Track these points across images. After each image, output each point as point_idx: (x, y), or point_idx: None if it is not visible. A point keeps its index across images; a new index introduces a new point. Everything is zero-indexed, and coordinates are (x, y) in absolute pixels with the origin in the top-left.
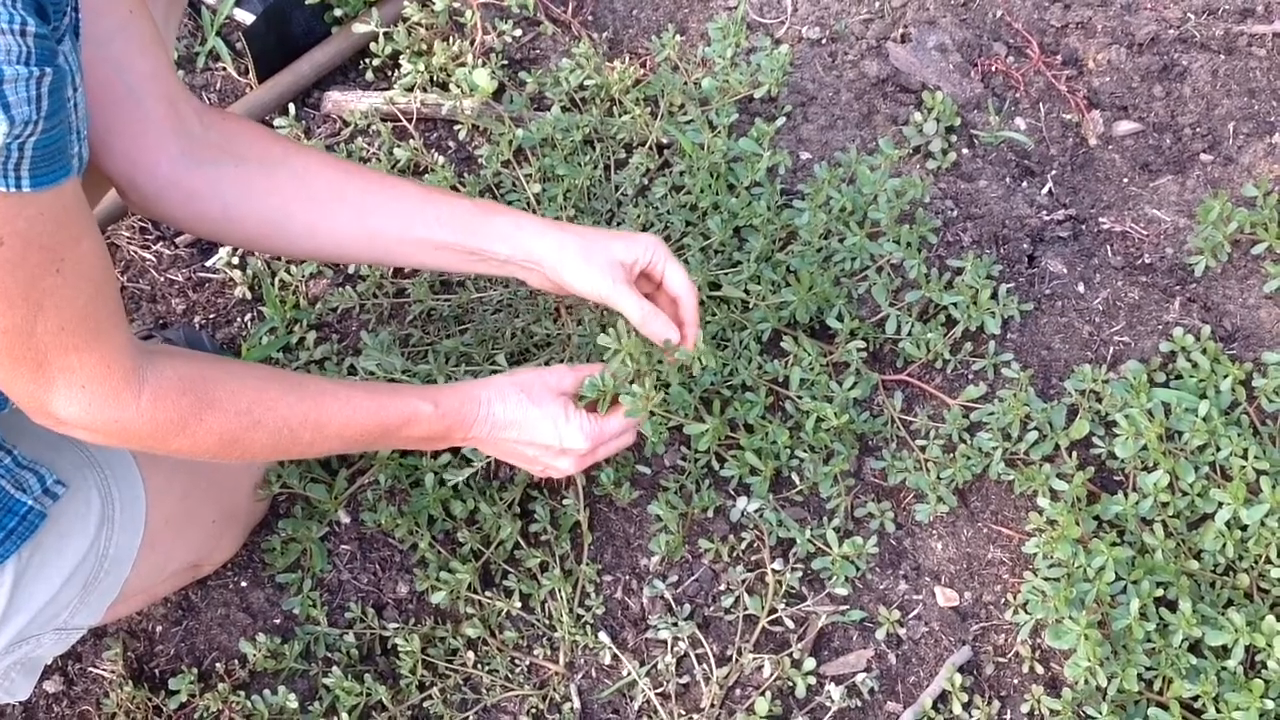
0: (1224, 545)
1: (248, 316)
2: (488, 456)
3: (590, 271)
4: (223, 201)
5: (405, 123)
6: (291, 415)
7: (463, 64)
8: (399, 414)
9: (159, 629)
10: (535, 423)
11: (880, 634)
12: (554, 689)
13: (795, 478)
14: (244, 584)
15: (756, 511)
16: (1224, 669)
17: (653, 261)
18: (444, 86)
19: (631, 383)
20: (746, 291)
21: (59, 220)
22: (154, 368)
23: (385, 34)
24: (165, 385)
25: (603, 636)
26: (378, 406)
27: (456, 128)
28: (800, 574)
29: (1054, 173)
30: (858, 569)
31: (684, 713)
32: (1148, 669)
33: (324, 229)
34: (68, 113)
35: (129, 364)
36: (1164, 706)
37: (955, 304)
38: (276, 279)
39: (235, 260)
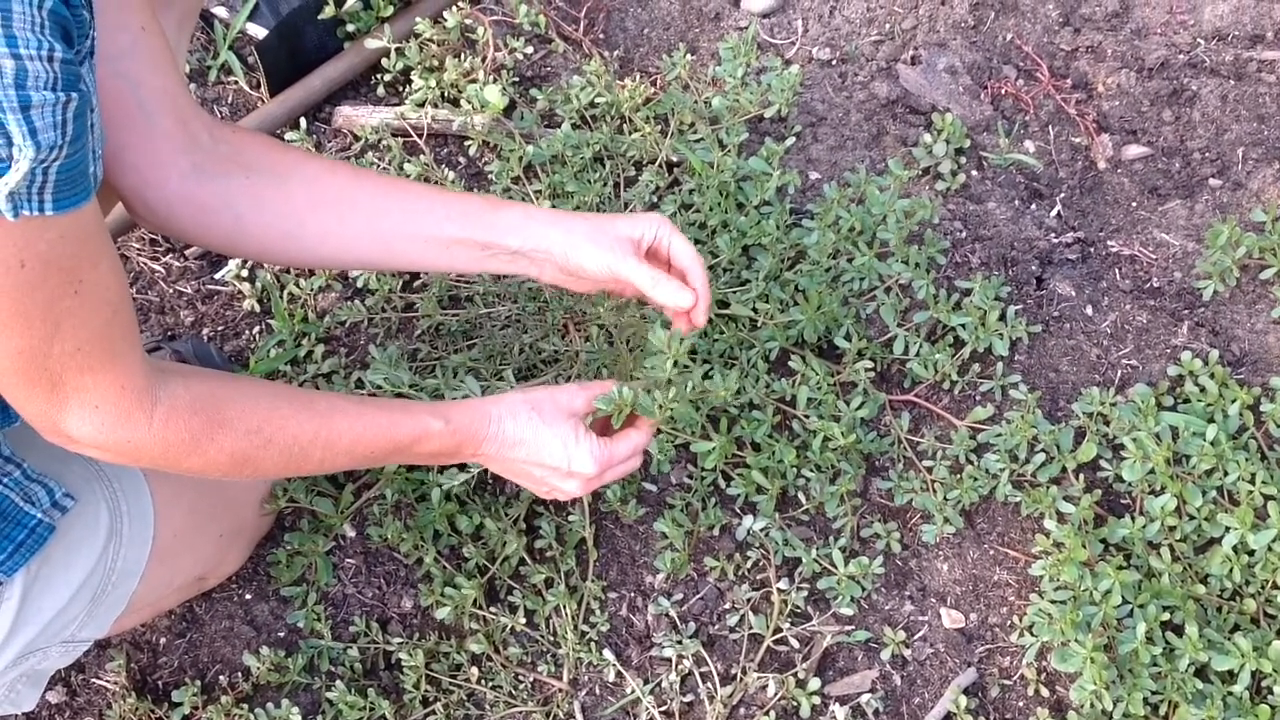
0: (1231, 570)
1: (256, 329)
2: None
3: (599, 251)
4: (234, 213)
5: (416, 138)
6: (302, 434)
7: (474, 80)
8: (410, 431)
9: (163, 641)
10: (545, 443)
11: (885, 655)
12: (558, 706)
13: (801, 497)
14: (248, 597)
15: (762, 530)
16: (1230, 694)
17: (659, 238)
18: (455, 102)
19: (654, 390)
20: (755, 310)
21: (79, 242)
22: (167, 388)
23: (397, 49)
24: (178, 405)
25: (607, 654)
26: (389, 424)
27: (467, 143)
28: (805, 593)
29: (1063, 195)
30: (863, 589)
31: None
32: (1154, 693)
33: (336, 234)
34: (88, 135)
35: (142, 384)
36: None
37: (963, 325)
38: (285, 292)
39: (244, 273)
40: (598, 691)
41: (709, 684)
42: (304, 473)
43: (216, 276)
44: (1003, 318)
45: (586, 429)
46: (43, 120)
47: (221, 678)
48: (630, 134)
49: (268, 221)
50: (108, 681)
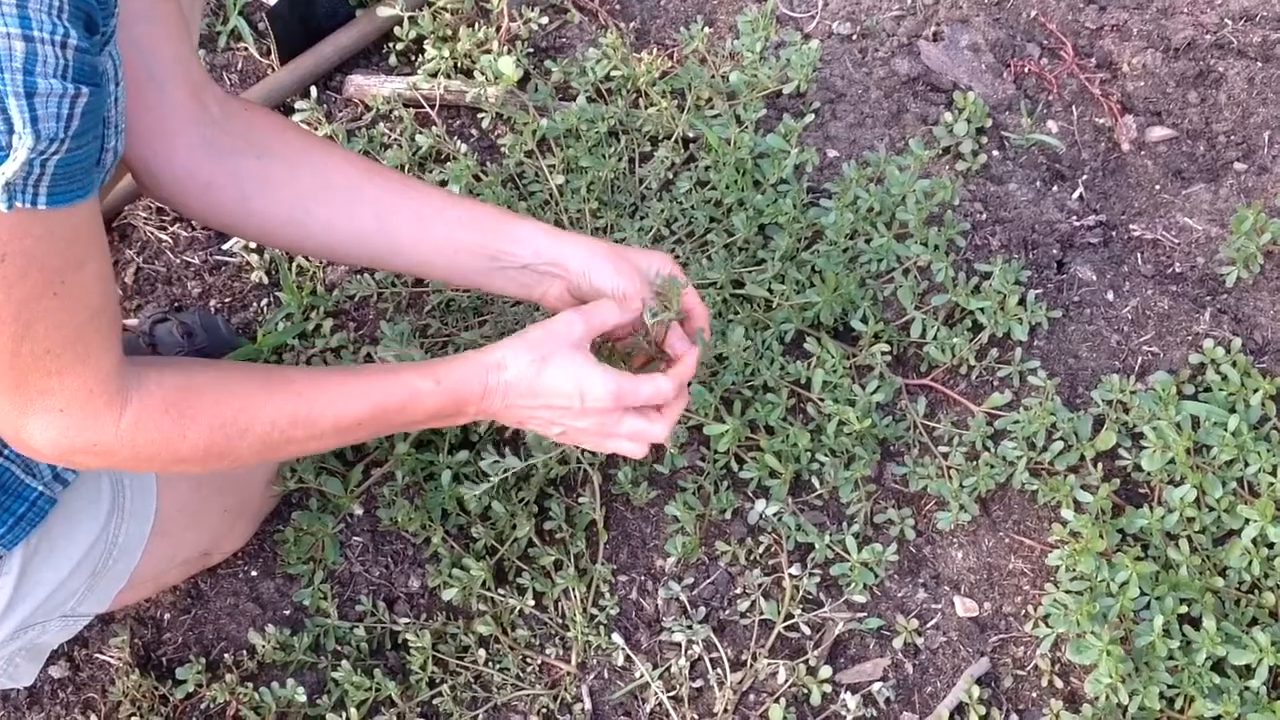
0: (1250, 563)
1: (264, 301)
2: (505, 471)
3: (619, 276)
4: (241, 193)
5: (428, 109)
6: (279, 417)
7: (488, 51)
8: (396, 396)
9: (167, 617)
10: (552, 380)
11: (898, 643)
12: (565, 689)
13: (815, 481)
14: (254, 574)
15: (775, 515)
16: (1247, 689)
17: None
18: (468, 73)
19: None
20: (770, 290)
21: (67, 241)
22: (140, 389)
23: (410, 18)
24: (149, 405)
25: (616, 637)
26: (370, 390)
27: (480, 116)
28: (818, 579)
29: (1085, 177)
30: (876, 576)
31: (696, 717)
32: (1170, 687)
33: (341, 226)
34: (97, 134)
35: (113, 388)
36: None
37: (982, 309)
38: (294, 264)
39: (252, 244)
40: (606, 675)
41: (719, 670)
42: (290, 455)
43: (224, 247)
44: (1022, 302)
45: (598, 361)
46: (46, 110)
47: (226, 655)
48: (646, 108)
49: (273, 206)
50: (111, 657)
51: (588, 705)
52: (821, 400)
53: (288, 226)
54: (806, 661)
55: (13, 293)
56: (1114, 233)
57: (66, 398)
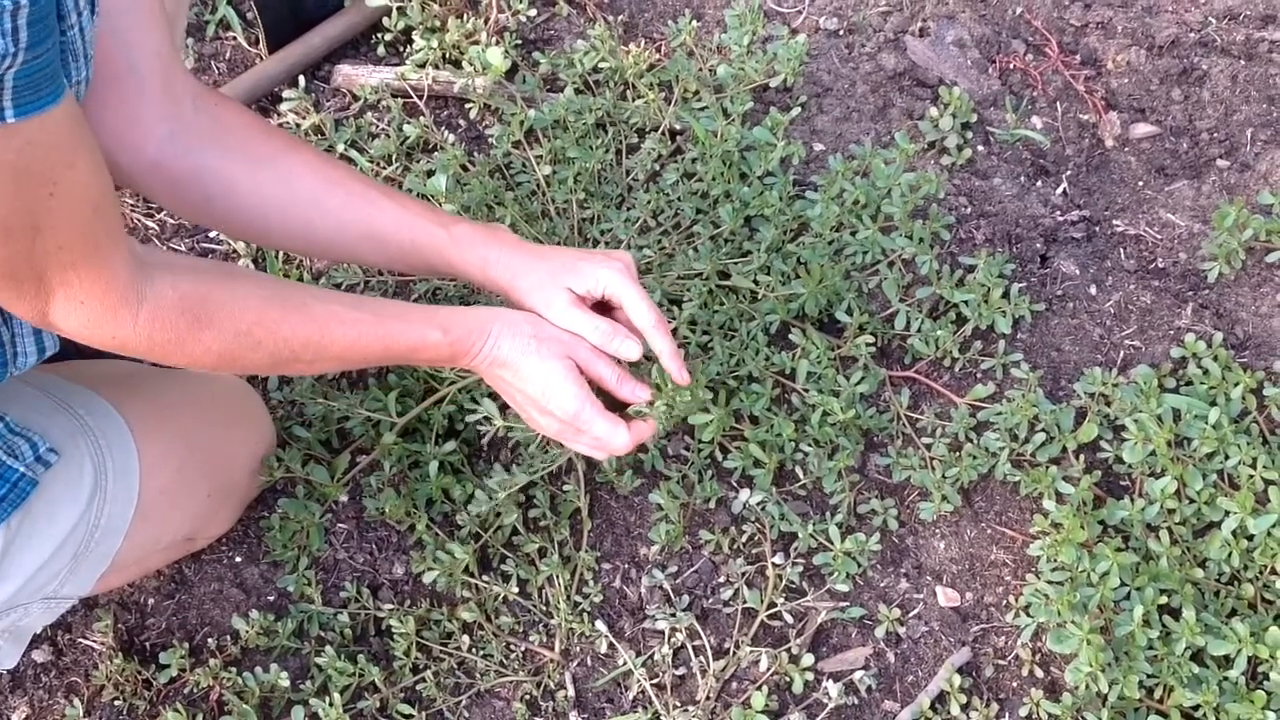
0: (1229, 554)
1: None
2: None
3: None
4: (204, 193)
5: (416, 99)
6: (294, 338)
7: (476, 42)
8: (407, 341)
9: (150, 601)
10: (531, 373)
11: (880, 632)
12: (549, 676)
13: (799, 471)
14: (238, 559)
15: (759, 504)
16: (1226, 679)
17: (609, 293)
18: (456, 64)
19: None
20: (755, 282)
21: (49, 146)
22: (153, 286)
23: (399, 9)
24: (164, 305)
25: (599, 625)
26: (385, 333)
27: (468, 106)
28: (801, 569)
29: (1069, 173)
30: (859, 566)
31: (679, 704)
32: (1149, 676)
33: (301, 236)
34: (54, 41)
35: (126, 282)
36: (1164, 715)
37: (966, 302)
38: (280, 251)
39: None
40: (589, 663)
41: (701, 657)
42: (293, 373)
43: (211, 234)
44: (1006, 295)
45: (578, 376)
46: None
47: (210, 640)
48: (633, 100)
49: (235, 206)
50: (94, 641)
51: (571, 692)
52: (806, 391)
53: (249, 227)
54: (789, 650)
55: (12, 202)
56: (1097, 228)
57: (84, 290)
